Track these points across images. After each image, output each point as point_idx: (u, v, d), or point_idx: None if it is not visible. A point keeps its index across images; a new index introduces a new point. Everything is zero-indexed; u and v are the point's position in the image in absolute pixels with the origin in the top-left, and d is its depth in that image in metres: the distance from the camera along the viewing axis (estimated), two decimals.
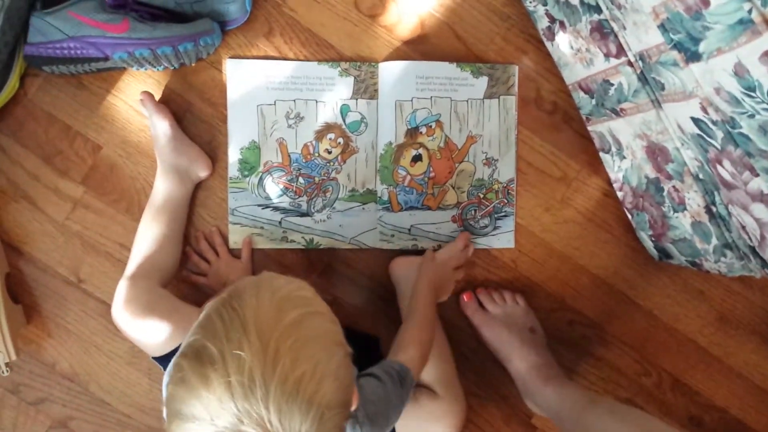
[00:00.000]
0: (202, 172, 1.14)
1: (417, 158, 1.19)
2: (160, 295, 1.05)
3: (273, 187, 1.18)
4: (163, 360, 1.00)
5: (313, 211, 1.19)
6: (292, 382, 0.63)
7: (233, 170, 1.17)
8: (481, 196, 1.21)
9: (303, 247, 1.19)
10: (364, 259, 1.20)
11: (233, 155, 1.17)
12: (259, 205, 1.18)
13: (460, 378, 1.13)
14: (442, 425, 1.08)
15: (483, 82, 1.19)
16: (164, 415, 0.68)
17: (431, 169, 1.19)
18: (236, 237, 1.18)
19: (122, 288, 1.03)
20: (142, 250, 1.08)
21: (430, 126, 1.19)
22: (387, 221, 1.19)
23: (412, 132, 1.18)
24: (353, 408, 0.74)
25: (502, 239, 1.21)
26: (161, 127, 1.11)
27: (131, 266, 1.08)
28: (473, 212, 1.21)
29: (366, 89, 1.17)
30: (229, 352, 0.64)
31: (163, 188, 1.11)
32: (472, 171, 1.20)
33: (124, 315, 1.01)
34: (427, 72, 1.17)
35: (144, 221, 1.11)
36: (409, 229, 1.19)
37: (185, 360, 0.67)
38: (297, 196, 1.18)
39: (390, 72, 1.17)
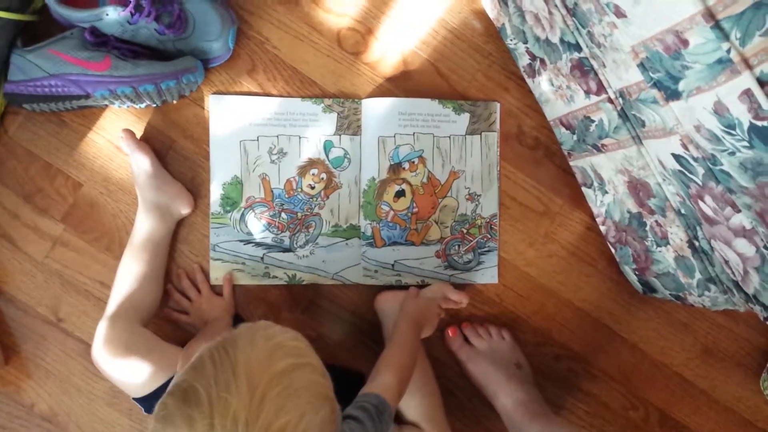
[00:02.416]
0: (184, 210, 1.14)
1: (400, 194, 1.19)
2: (140, 334, 1.03)
3: (255, 223, 1.17)
4: (144, 401, 0.98)
5: (295, 246, 1.18)
6: (274, 431, 0.62)
7: (215, 206, 1.16)
8: (465, 231, 1.21)
9: (285, 283, 1.18)
10: (348, 295, 1.19)
11: (215, 191, 1.16)
12: (241, 241, 1.17)
13: (445, 414, 1.12)
14: None
15: (465, 118, 1.19)
16: None
17: (414, 204, 1.19)
18: (217, 273, 1.17)
19: (102, 328, 1.02)
20: (122, 289, 1.07)
21: (413, 162, 1.19)
22: (370, 257, 1.18)
23: (395, 168, 1.18)
24: None
25: (486, 275, 1.21)
26: (142, 164, 1.10)
27: (111, 306, 1.06)
28: (457, 247, 1.20)
29: (349, 125, 1.17)
30: (216, 394, 0.63)
31: (144, 226, 1.10)
32: (455, 206, 1.20)
33: (104, 355, 1.00)
34: (409, 108, 1.18)
35: (125, 259, 1.09)
36: (393, 265, 1.19)
37: (171, 399, 0.66)
38: (279, 232, 1.17)
39: (373, 108, 1.17)
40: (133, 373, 0.98)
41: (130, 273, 1.08)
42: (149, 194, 1.11)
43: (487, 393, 1.16)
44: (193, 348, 1.03)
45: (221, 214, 1.16)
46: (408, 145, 1.18)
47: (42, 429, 1.16)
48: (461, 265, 1.20)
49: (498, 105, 1.20)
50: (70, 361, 1.16)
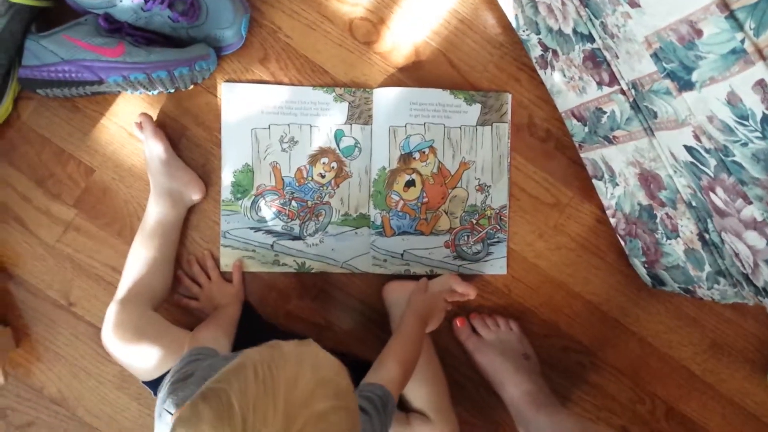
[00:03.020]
0: (195, 196, 1.14)
1: (410, 183, 1.19)
2: (151, 318, 1.04)
3: (266, 210, 1.17)
4: (153, 384, 0.99)
5: (305, 234, 1.18)
6: None
7: (226, 193, 1.17)
8: (474, 222, 1.21)
9: (295, 271, 1.18)
10: (357, 284, 1.19)
11: (226, 178, 1.17)
12: (251, 228, 1.17)
13: (452, 404, 1.12)
14: None
15: (476, 109, 1.19)
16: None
17: (424, 194, 1.19)
18: (227, 260, 1.17)
19: (112, 311, 1.02)
20: (133, 274, 1.08)
21: (424, 152, 1.19)
22: (379, 246, 1.19)
23: (406, 157, 1.18)
24: None
25: (494, 265, 1.21)
26: (156, 150, 1.11)
27: (122, 289, 1.07)
28: (466, 238, 1.21)
29: (360, 115, 1.18)
30: (252, 423, 0.61)
31: (155, 211, 1.11)
32: (465, 197, 1.20)
33: (114, 339, 1.00)
34: (420, 98, 1.18)
35: (136, 244, 1.10)
36: (402, 254, 1.19)
37: (206, 407, 0.63)
38: (290, 220, 1.18)
39: (384, 98, 1.17)
40: (143, 357, 0.99)
41: (141, 257, 1.09)
42: (161, 180, 1.11)
43: (494, 384, 1.16)
44: (201, 333, 1.04)
45: (232, 202, 1.17)
46: (419, 135, 1.18)
47: (51, 411, 1.17)
48: (470, 255, 1.21)
49: (509, 96, 1.20)
50: (80, 344, 1.17)
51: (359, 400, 0.86)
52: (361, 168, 1.19)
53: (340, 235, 1.19)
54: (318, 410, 0.63)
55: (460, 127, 1.19)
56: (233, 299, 1.14)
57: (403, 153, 1.18)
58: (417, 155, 1.19)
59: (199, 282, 1.16)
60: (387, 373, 0.95)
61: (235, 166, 1.17)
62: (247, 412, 0.61)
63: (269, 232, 1.18)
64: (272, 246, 1.18)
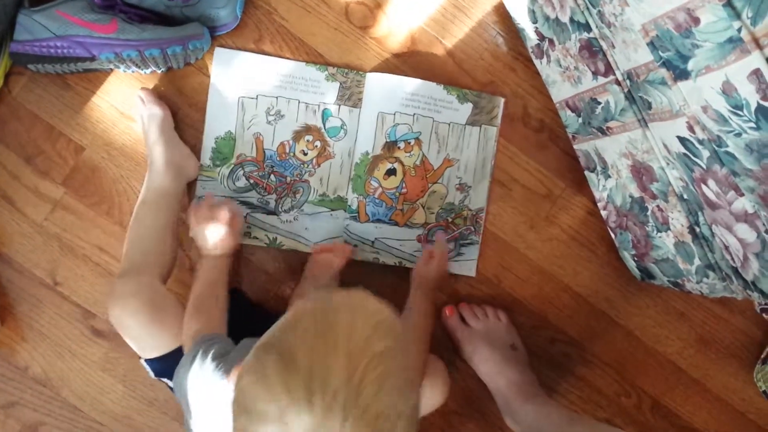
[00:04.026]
0: (193, 172, 1.13)
1: (391, 172, 1.18)
2: (164, 294, 1.01)
3: (243, 181, 1.16)
4: (154, 362, 0.97)
5: (280, 210, 1.17)
6: (371, 415, 0.61)
7: (205, 158, 1.16)
8: (450, 219, 1.20)
9: (265, 245, 1.17)
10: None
11: (207, 143, 1.15)
12: (225, 197, 1.16)
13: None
14: (434, 384, 1.06)
15: (467, 108, 1.19)
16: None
17: (404, 185, 1.19)
18: None
19: (119, 284, 0.99)
20: (137, 245, 1.04)
21: (409, 142, 1.18)
22: (353, 231, 1.18)
23: (390, 146, 1.18)
24: None
25: (463, 266, 1.20)
26: (159, 116, 1.09)
27: (127, 262, 1.03)
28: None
29: (350, 96, 1.17)
30: (318, 367, 0.62)
31: (157, 183, 1.07)
32: (444, 193, 1.20)
33: (123, 311, 0.96)
34: (413, 89, 1.17)
35: (137, 216, 1.06)
36: (373, 242, 1.18)
37: (270, 358, 0.64)
38: (266, 194, 1.17)
39: (377, 83, 1.17)
40: (150, 333, 0.96)
41: (144, 228, 1.05)
42: (163, 150, 1.08)
43: (481, 373, 1.16)
44: (194, 292, 1.01)
45: (210, 168, 1.16)
46: (406, 125, 1.18)
47: (35, 392, 1.16)
48: None
49: (502, 100, 1.19)
50: (66, 324, 1.16)
51: None
52: (345, 150, 1.18)
53: (315, 215, 1.18)
54: (379, 350, 0.64)
55: (449, 124, 1.19)
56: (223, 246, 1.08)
57: (388, 141, 1.18)
58: (402, 145, 1.18)
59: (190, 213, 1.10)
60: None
61: (218, 132, 1.16)
62: (311, 359, 0.62)
63: (244, 203, 1.16)
64: (245, 217, 1.16)
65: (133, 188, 1.13)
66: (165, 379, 0.97)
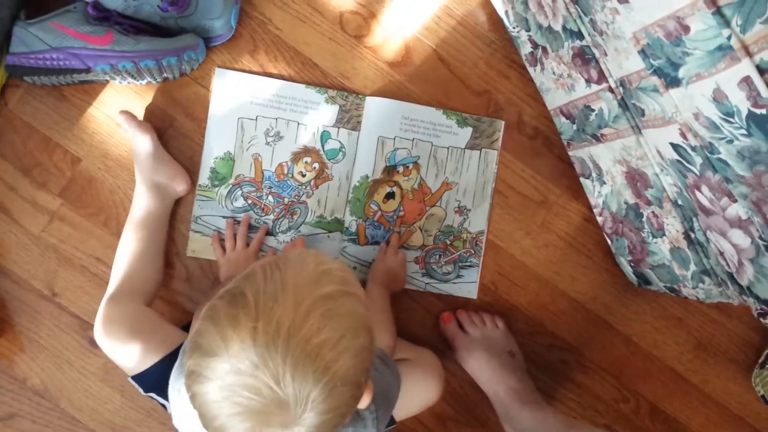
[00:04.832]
0: (181, 189, 1.14)
1: (390, 196, 1.19)
2: (144, 314, 1.03)
3: (241, 201, 1.17)
4: (141, 378, 0.98)
5: (277, 231, 1.18)
6: (314, 345, 0.64)
7: (203, 178, 1.16)
8: (448, 242, 1.21)
9: None
10: None
11: (206, 163, 1.16)
12: (223, 217, 1.16)
13: (438, 404, 1.12)
14: (428, 379, 1.09)
15: (467, 132, 1.19)
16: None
17: (401, 208, 1.19)
18: (196, 245, 1.16)
19: (105, 308, 1.02)
20: (123, 269, 1.07)
21: (408, 166, 1.19)
22: (351, 253, 1.18)
23: (390, 170, 1.18)
24: (365, 405, 0.74)
25: (463, 288, 1.21)
26: (143, 143, 1.10)
27: (113, 285, 1.06)
28: (437, 257, 1.20)
29: (349, 119, 1.17)
30: (264, 301, 0.65)
31: (142, 204, 1.10)
32: (443, 216, 1.20)
33: (107, 336, 1.00)
34: (413, 114, 1.18)
35: (124, 238, 1.09)
36: (371, 264, 1.19)
37: (220, 301, 0.68)
38: (264, 214, 1.17)
39: (376, 107, 1.17)
40: (134, 353, 0.98)
41: (130, 251, 1.08)
42: (148, 174, 1.11)
43: (479, 380, 1.16)
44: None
45: (208, 188, 1.16)
46: (405, 149, 1.18)
47: (33, 403, 1.16)
48: (439, 275, 1.20)
49: (503, 123, 1.20)
50: (64, 336, 1.16)
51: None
52: (343, 173, 1.18)
53: (312, 236, 1.18)
54: (325, 292, 0.68)
55: (448, 148, 1.19)
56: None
57: (388, 165, 1.18)
58: (401, 169, 1.19)
59: (227, 245, 1.15)
60: (381, 340, 0.99)
61: (217, 152, 1.16)
62: (258, 295, 0.66)
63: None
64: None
65: (130, 198, 1.13)
66: (154, 395, 0.97)
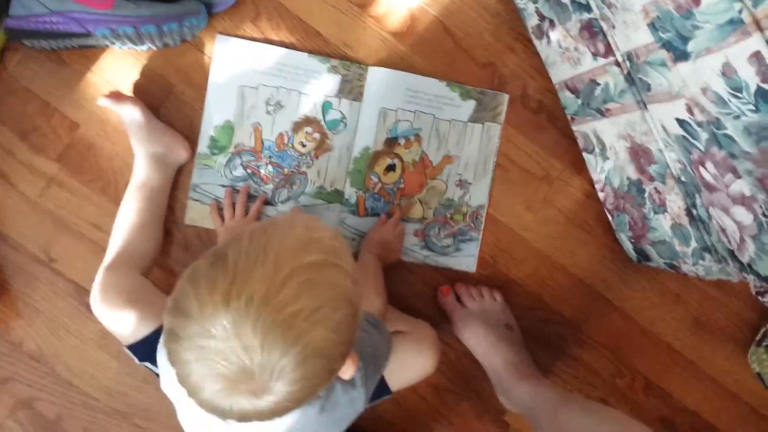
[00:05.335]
0: (182, 157, 1.13)
1: (391, 168, 1.18)
2: (140, 284, 1.02)
3: (240, 171, 1.16)
4: (136, 348, 0.97)
5: (276, 201, 1.17)
6: (287, 314, 0.63)
7: (202, 146, 1.15)
8: (448, 216, 1.20)
9: None
10: None
11: (206, 131, 1.15)
12: (222, 185, 1.16)
13: (435, 375, 1.12)
14: (424, 350, 1.07)
15: (470, 105, 1.18)
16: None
17: (402, 180, 1.18)
18: (194, 214, 1.15)
19: (102, 276, 1.01)
20: (121, 238, 1.06)
21: (409, 139, 1.18)
22: (350, 224, 1.18)
23: (391, 141, 1.17)
24: (348, 375, 0.74)
25: (462, 262, 1.20)
26: (134, 116, 1.09)
27: (111, 254, 1.05)
28: (437, 230, 1.20)
29: (351, 90, 1.16)
30: (243, 265, 0.64)
31: (141, 174, 1.09)
32: (444, 189, 1.20)
33: (103, 305, 0.99)
34: (416, 86, 1.17)
35: (123, 207, 1.08)
36: (366, 233, 1.18)
37: (203, 262, 0.67)
38: (263, 184, 1.16)
39: (379, 78, 1.16)
40: (129, 322, 0.97)
41: (128, 221, 1.07)
42: (145, 146, 1.09)
43: (476, 352, 1.17)
44: None
45: (208, 156, 1.15)
46: (408, 122, 1.17)
47: (29, 368, 1.15)
48: (438, 248, 1.20)
49: (507, 97, 1.19)
50: (61, 301, 1.15)
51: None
52: (344, 144, 1.17)
53: (311, 208, 1.17)
54: (309, 261, 0.66)
55: (450, 121, 1.18)
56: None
57: (389, 137, 1.17)
58: (402, 141, 1.18)
59: (225, 214, 1.14)
60: (372, 305, 1.00)
61: (217, 121, 1.15)
62: (238, 258, 0.65)
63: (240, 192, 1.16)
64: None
65: (129, 166, 1.12)
66: (149, 364, 0.97)
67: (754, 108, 0.71)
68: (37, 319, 1.15)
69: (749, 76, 0.69)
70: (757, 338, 1.23)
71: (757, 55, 0.67)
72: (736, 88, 0.71)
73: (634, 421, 0.87)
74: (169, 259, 1.16)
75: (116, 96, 1.10)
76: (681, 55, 0.77)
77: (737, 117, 0.74)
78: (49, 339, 1.16)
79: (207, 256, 0.68)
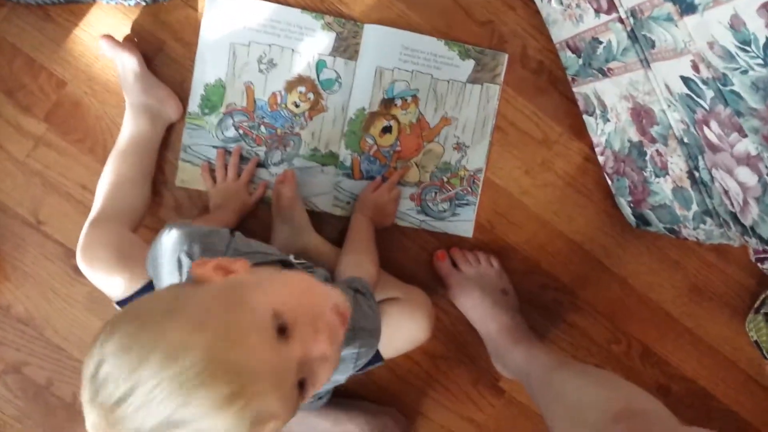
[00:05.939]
0: (173, 114, 1.10)
1: (387, 130, 1.15)
2: (129, 239, 0.99)
3: (232, 131, 1.13)
4: (124, 303, 0.95)
5: (269, 163, 1.14)
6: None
7: (193, 105, 1.12)
8: (445, 179, 1.17)
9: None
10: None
11: (196, 90, 1.12)
12: (214, 146, 1.13)
13: (429, 341, 1.11)
14: (417, 318, 1.04)
15: (469, 65, 1.15)
16: None
17: (399, 143, 1.16)
18: (185, 175, 1.13)
19: (87, 231, 0.98)
20: (108, 193, 1.03)
21: (406, 100, 1.15)
22: (345, 187, 1.15)
23: (387, 102, 1.14)
24: None
25: (459, 227, 1.18)
26: (129, 64, 1.06)
27: (96, 209, 1.02)
28: (434, 194, 1.17)
29: (347, 48, 1.13)
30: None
31: (132, 128, 1.06)
32: (441, 153, 1.17)
33: (89, 259, 0.96)
34: (413, 44, 1.13)
35: (111, 162, 1.05)
36: (360, 194, 1.15)
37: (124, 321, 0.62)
38: (256, 145, 1.14)
39: (375, 36, 1.12)
40: (118, 278, 0.95)
41: (116, 176, 1.04)
42: (137, 96, 1.07)
43: (471, 318, 1.15)
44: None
45: (199, 116, 1.12)
46: (405, 81, 1.14)
47: (18, 331, 1.14)
48: (435, 212, 1.18)
49: (506, 57, 1.15)
50: (49, 264, 1.13)
51: (347, 291, 0.89)
52: (338, 104, 1.14)
53: (305, 170, 1.15)
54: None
55: (448, 81, 1.15)
56: (241, 207, 1.11)
57: (385, 97, 1.14)
58: (399, 102, 1.15)
59: (217, 176, 1.12)
60: (363, 270, 0.99)
61: (208, 79, 1.12)
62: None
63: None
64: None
65: (117, 125, 1.09)
66: None
67: (762, 62, 0.68)
68: (25, 282, 1.13)
69: (758, 29, 0.66)
70: (756, 305, 1.21)
71: (766, 7, 0.64)
72: (744, 42, 0.68)
73: (629, 384, 0.86)
74: (159, 220, 1.13)
75: (114, 41, 1.06)
76: (688, 8, 0.74)
77: (744, 72, 0.71)
78: (38, 302, 1.14)
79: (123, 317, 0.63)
